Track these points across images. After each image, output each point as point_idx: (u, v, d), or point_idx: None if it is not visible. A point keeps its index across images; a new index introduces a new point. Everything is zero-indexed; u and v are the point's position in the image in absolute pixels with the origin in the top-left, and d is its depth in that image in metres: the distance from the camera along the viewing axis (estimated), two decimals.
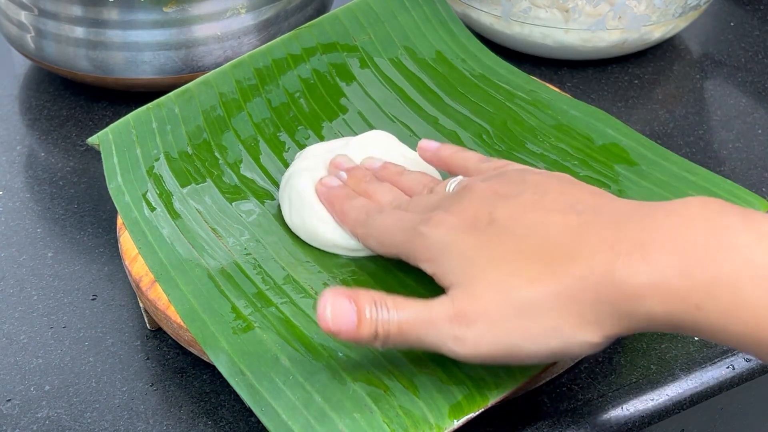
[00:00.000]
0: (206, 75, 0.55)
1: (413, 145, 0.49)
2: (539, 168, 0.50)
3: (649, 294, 0.31)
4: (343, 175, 0.47)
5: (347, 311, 0.35)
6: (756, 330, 0.30)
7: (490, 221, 0.36)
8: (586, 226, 0.34)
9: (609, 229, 0.33)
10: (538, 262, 0.34)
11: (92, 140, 0.52)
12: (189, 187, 0.49)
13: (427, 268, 0.38)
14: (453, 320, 0.34)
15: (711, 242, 0.31)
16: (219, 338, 0.40)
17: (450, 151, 0.45)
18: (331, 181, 0.46)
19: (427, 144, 0.46)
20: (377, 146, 0.49)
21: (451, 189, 0.41)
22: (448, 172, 0.46)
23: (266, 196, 0.49)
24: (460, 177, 0.43)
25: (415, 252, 0.39)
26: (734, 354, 0.44)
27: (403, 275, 0.43)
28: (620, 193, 0.47)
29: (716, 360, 0.43)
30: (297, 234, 0.46)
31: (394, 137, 0.50)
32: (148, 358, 0.45)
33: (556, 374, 0.42)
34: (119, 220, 0.47)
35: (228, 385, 0.39)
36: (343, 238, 0.45)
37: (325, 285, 0.44)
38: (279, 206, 0.48)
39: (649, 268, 0.31)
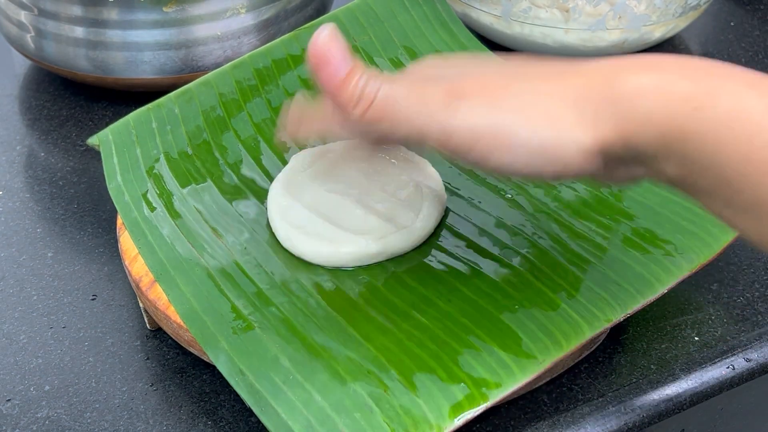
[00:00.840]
0: (206, 75, 0.55)
1: None
2: None
3: (649, 92, 0.31)
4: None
5: (341, 55, 0.32)
6: (749, 150, 0.29)
7: (495, 71, 0.36)
8: (585, 64, 0.34)
9: (608, 60, 0.33)
10: (540, 77, 0.34)
11: (92, 140, 0.52)
12: (189, 187, 0.49)
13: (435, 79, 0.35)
14: (449, 92, 0.33)
15: (716, 69, 0.31)
16: (219, 338, 0.40)
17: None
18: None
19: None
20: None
21: None
22: None
23: (266, 196, 0.49)
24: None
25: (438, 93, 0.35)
26: (734, 354, 0.44)
27: (408, 278, 0.43)
28: (620, 193, 0.47)
29: (716, 360, 0.43)
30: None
31: None
32: (148, 358, 0.45)
33: (556, 374, 0.42)
34: (119, 220, 0.47)
35: (228, 385, 0.39)
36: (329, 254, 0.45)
37: (325, 285, 0.44)
38: None
39: (651, 74, 0.31)
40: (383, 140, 0.41)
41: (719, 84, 0.30)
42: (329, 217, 0.45)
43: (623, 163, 0.33)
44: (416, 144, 0.35)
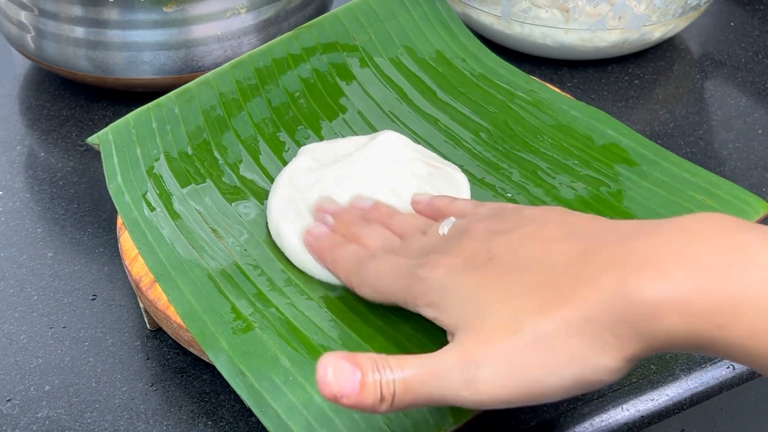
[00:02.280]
0: (206, 75, 0.55)
1: None
2: (542, 167, 0.50)
3: (668, 312, 0.29)
4: (330, 219, 0.45)
5: (349, 374, 0.31)
6: None
7: (489, 258, 0.35)
8: (592, 249, 0.32)
9: (616, 248, 0.32)
10: (546, 292, 0.32)
11: (92, 140, 0.52)
12: (189, 187, 0.49)
13: (428, 313, 0.36)
14: (463, 366, 0.32)
15: (729, 258, 0.29)
16: (219, 338, 0.40)
17: (444, 201, 0.44)
18: (318, 230, 0.44)
19: (420, 197, 0.45)
20: (390, 151, 0.48)
21: (444, 231, 0.40)
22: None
23: (266, 196, 0.49)
24: (452, 218, 0.41)
25: (414, 298, 0.37)
26: None
27: None
28: (620, 193, 0.47)
29: (716, 360, 0.43)
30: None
31: (404, 137, 0.50)
32: (148, 358, 0.45)
33: None
34: (119, 220, 0.47)
35: (228, 385, 0.39)
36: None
37: (326, 285, 0.44)
38: None
39: (665, 284, 0.30)
40: None
41: (736, 289, 0.29)
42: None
43: (658, 352, 0.32)
44: None
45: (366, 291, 0.40)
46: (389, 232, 0.43)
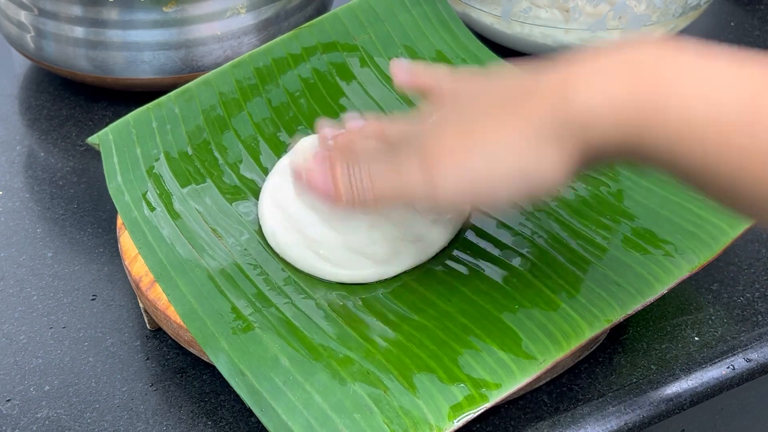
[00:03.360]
0: (206, 75, 0.55)
1: None
2: None
3: (603, 113, 0.32)
4: (331, 143, 0.45)
5: (321, 174, 0.37)
6: (700, 152, 0.31)
7: (456, 113, 0.38)
8: (542, 76, 0.35)
9: (562, 71, 0.34)
10: (498, 108, 0.36)
11: (92, 140, 0.52)
12: (189, 187, 0.49)
13: (406, 151, 0.38)
14: (423, 171, 0.36)
15: (662, 64, 0.32)
16: (219, 338, 0.40)
17: (420, 67, 0.45)
18: (313, 163, 0.44)
19: (398, 68, 0.45)
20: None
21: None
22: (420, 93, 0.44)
23: None
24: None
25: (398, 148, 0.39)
26: (734, 354, 0.44)
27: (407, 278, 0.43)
28: (620, 193, 0.47)
29: (716, 360, 0.43)
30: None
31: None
32: (148, 358, 0.45)
33: (556, 374, 0.42)
34: (119, 220, 0.47)
35: (228, 385, 0.39)
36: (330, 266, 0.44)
37: (325, 285, 0.44)
38: None
39: (601, 89, 0.32)
40: None
41: (667, 92, 0.31)
42: (344, 235, 0.45)
43: (601, 162, 0.35)
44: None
45: (368, 197, 0.40)
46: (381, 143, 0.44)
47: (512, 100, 0.36)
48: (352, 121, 0.46)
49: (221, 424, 0.41)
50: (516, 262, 0.44)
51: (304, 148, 0.49)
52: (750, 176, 0.30)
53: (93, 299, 0.48)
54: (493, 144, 0.35)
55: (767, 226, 0.33)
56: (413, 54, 0.58)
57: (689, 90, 0.31)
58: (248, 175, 0.50)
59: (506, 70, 0.40)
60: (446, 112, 0.39)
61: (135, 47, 0.60)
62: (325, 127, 0.47)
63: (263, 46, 0.57)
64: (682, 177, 0.33)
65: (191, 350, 0.43)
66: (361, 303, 0.42)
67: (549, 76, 0.35)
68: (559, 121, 0.33)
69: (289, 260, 0.45)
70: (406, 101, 0.55)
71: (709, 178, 0.31)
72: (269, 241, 0.46)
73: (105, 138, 0.52)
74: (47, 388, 0.43)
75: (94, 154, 0.58)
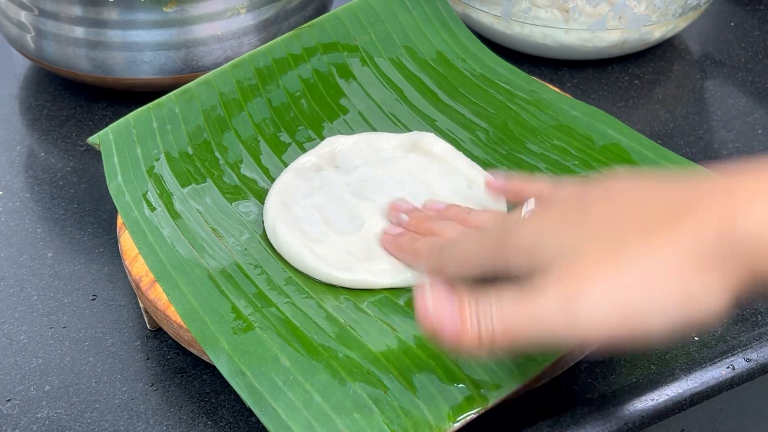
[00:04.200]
0: (207, 75, 0.55)
1: None
2: (541, 169, 0.50)
3: None
4: (405, 217, 0.45)
5: (448, 305, 0.31)
6: None
7: (582, 211, 0.33)
8: (692, 185, 0.31)
9: (719, 183, 0.30)
10: (649, 225, 0.30)
11: (92, 140, 0.52)
12: (189, 187, 0.49)
13: (522, 259, 0.33)
14: (563, 300, 0.30)
15: None
16: (219, 338, 0.40)
17: (522, 180, 0.42)
18: (395, 229, 0.44)
19: (494, 179, 0.43)
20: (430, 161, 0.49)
21: (526, 215, 0.37)
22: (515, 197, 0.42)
23: (267, 195, 0.49)
24: (532, 199, 0.38)
25: (506, 254, 0.34)
26: (734, 354, 0.44)
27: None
28: None
29: (716, 360, 0.43)
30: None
31: (445, 143, 0.50)
32: (148, 358, 0.45)
33: (556, 374, 0.42)
34: (119, 220, 0.47)
35: (228, 385, 0.39)
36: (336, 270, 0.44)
37: (326, 284, 0.44)
38: None
39: None
40: None
41: None
42: (346, 239, 0.45)
43: (762, 289, 0.31)
44: None
45: (450, 267, 0.37)
46: (465, 228, 0.42)
47: (663, 214, 0.31)
48: (433, 202, 0.46)
49: (221, 424, 0.41)
50: None
51: (333, 145, 0.49)
52: None
53: (93, 299, 0.48)
54: (649, 270, 0.29)
55: None
56: (413, 54, 0.58)
57: None
58: (249, 174, 0.50)
59: (622, 178, 0.35)
60: (558, 207, 0.35)
61: (135, 47, 0.60)
62: (400, 201, 0.46)
63: (264, 46, 0.57)
64: None
65: (191, 350, 0.43)
66: (361, 304, 0.42)
67: (703, 188, 0.31)
68: (725, 246, 0.29)
69: (284, 255, 0.45)
70: (406, 102, 0.55)
71: None
72: (268, 236, 0.46)
73: (105, 138, 0.52)
74: (47, 388, 0.43)
75: (94, 154, 0.58)
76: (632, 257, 0.30)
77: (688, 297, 0.29)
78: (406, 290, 0.43)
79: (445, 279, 0.36)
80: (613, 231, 0.31)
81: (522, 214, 0.38)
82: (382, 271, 0.43)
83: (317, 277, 0.44)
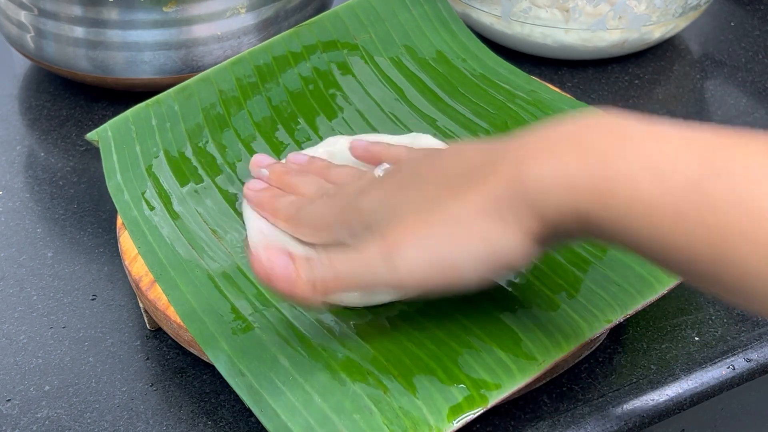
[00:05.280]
0: (206, 72, 0.55)
1: None
2: None
3: (557, 189, 0.32)
4: (265, 172, 0.47)
5: (282, 255, 0.35)
6: (652, 228, 0.31)
7: (415, 175, 0.38)
8: (497, 150, 0.36)
9: (515, 144, 0.35)
10: (456, 185, 0.35)
11: (91, 136, 0.52)
12: (188, 186, 0.49)
13: (363, 224, 0.38)
14: (384, 251, 0.35)
15: (611, 142, 0.32)
16: (219, 339, 0.40)
17: (381, 146, 0.46)
18: (256, 184, 0.47)
19: (358, 142, 0.48)
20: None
21: (380, 174, 0.43)
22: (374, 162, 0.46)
23: None
24: (386, 165, 0.44)
25: (350, 227, 0.39)
26: (734, 354, 0.44)
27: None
28: None
29: (716, 360, 0.43)
30: None
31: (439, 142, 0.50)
32: (148, 358, 0.45)
33: (556, 374, 0.42)
34: (119, 220, 0.47)
35: (228, 385, 0.39)
36: None
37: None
38: None
39: (553, 165, 0.32)
40: None
41: (615, 170, 0.31)
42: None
43: (564, 238, 0.35)
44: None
45: (305, 231, 0.43)
46: (323, 180, 0.45)
47: (470, 174, 0.35)
48: (296, 155, 0.49)
49: (221, 424, 0.41)
50: None
51: (332, 145, 0.49)
52: (702, 251, 0.30)
53: (93, 299, 0.48)
54: (455, 221, 0.35)
55: (734, 300, 0.32)
56: (413, 54, 0.58)
57: (637, 168, 0.31)
58: (249, 174, 0.50)
59: (466, 145, 0.40)
60: (398, 172, 0.40)
61: (135, 47, 0.60)
62: (261, 156, 0.49)
63: (263, 43, 0.57)
64: (642, 254, 0.33)
65: (191, 350, 0.43)
66: (361, 304, 0.42)
67: (503, 149, 0.35)
68: (515, 196, 0.33)
69: None
70: (406, 101, 0.55)
71: (664, 254, 0.31)
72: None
73: (104, 134, 0.52)
74: (47, 388, 0.43)
75: (94, 154, 0.58)
76: (439, 214, 0.35)
77: (489, 241, 0.34)
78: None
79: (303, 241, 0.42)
80: (430, 193, 0.36)
81: (375, 173, 0.43)
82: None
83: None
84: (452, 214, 0.35)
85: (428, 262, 0.35)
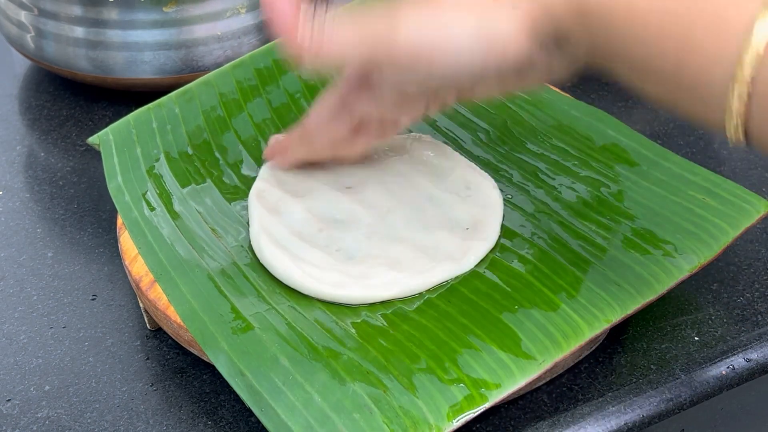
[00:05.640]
0: (207, 75, 0.55)
1: None
2: (541, 168, 0.50)
3: None
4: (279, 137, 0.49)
5: (292, 7, 0.37)
6: (633, 16, 0.33)
7: None
8: None
9: None
10: None
11: (92, 140, 0.52)
12: (189, 187, 0.49)
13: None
14: (387, 19, 0.37)
15: None
16: (219, 338, 0.40)
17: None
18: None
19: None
20: (429, 158, 0.50)
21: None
22: None
23: None
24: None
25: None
26: (734, 354, 0.44)
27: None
28: (620, 194, 0.47)
29: (716, 360, 0.43)
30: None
31: (442, 144, 0.51)
32: (148, 358, 0.45)
33: (556, 374, 0.42)
34: (119, 220, 0.47)
35: (228, 385, 0.39)
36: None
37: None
38: None
39: None
40: (338, 72, 0.45)
41: None
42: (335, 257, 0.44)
43: (550, 48, 0.36)
44: (372, 71, 0.40)
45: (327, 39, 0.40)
46: None
47: None
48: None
49: (221, 424, 0.41)
50: (515, 263, 0.44)
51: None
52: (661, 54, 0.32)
53: (93, 299, 0.48)
54: (455, 3, 0.36)
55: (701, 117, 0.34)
56: None
57: None
58: (249, 175, 0.50)
59: None
60: None
61: (135, 47, 0.60)
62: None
63: (264, 46, 0.57)
64: (624, 72, 0.35)
65: (191, 350, 0.43)
66: (361, 304, 0.42)
67: None
68: None
69: (270, 271, 0.44)
70: None
71: (638, 45, 0.33)
72: (255, 251, 0.45)
73: (105, 138, 0.52)
74: (47, 387, 0.43)
75: (94, 154, 0.58)
76: None
77: (487, 20, 0.36)
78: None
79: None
80: None
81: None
82: (378, 285, 0.43)
83: (309, 294, 0.43)
84: None
85: (426, 28, 0.36)
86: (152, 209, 0.47)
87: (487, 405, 0.37)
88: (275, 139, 0.50)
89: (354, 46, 0.37)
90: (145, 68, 0.61)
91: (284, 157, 0.49)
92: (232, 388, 0.39)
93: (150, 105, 0.53)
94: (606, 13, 0.33)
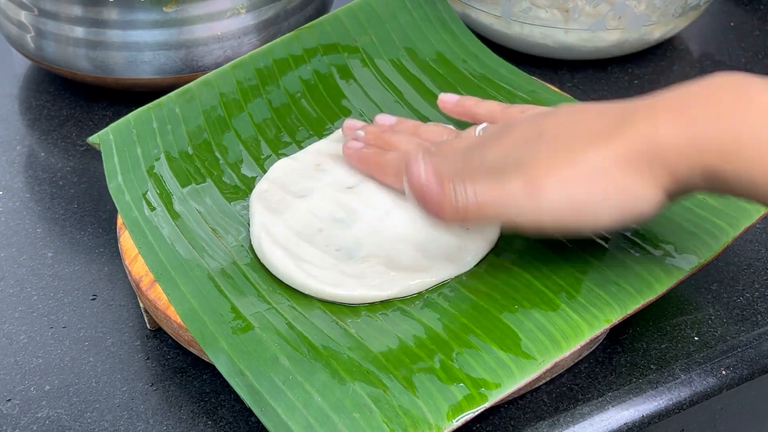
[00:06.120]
0: (207, 75, 0.55)
1: None
2: None
3: (687, 148, 0.35)
4: (361, 133, 0.49)
5: (435, 177, 0.39)
6: None
7: (539, 134, 0.40)
8: (624, 107, 0.38)
9: (647, 104, 0.37)
10: (593, 137, 0.37)
11: (93, 139, 0.52)
12: (189, 187, 0.49)
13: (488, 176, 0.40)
14: (526, 187, 0.38)
15: (735, 100, 0.35)
16: (219, 338, 0.40)
17: (473, 101, 0.50)
18: (354, 144, 0.48)
19: (448, 96, 0.51)
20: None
21: (480, 133, 0.45)
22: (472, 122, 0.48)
23: None
24: (485, 124, 0.45)
25: (474, 172, 0.40)
26: (734, 354, 0.44)
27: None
28: None
29: (716, 360, 0.43)
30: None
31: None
32: (148, 358, 0.45)
33: (555, 374, 0.42)
34: (119, 220, 0.47)
35: (228, 385, 0.39)
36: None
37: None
38: None
39: (684, 124, 0.35)
40: None
41: (741, 126, 0.35)
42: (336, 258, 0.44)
43: (690, 191, 0.37)
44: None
45: (471, 208, 0.43)
46: (420, 139, 0.48)
47: (602, 130, 0.37)
48: (383, 117, 0.51)
49: (221, 424, 0.41)
50: (516, 263, 0.44)
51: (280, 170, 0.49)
52: None
53: (93, 299, 0.48)
54: (594, 169, 0.37)
55: None
56: (414, 55, 0.58)
57: (760, 123, 0.34)
58: (249, 174, 0.50)
59: (578, 106, 0.42)
60: (514, 128, 0.41)
61: (135, 47, 0.60)
62: (353, 120, 0.51)
63: (264, 46, 0.57)
64: (763, 201, 0.36)
65: (191, 350, 0.43)
66: (361, 304, 0.42)
67: (632, 108, 0.38)
68: (650, 153, 0.36)
69: (271, 270, 0.44)
70: (407, 104, 0.55)
71: None
72: (255, 251, 0.45)
73: (105, 138, 0.52)
74: (47, 387, 0.43)
75: (94, 154, 0.58)
76: (580, 160, 0.37)
77: (627, 191, 0.37)
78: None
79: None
80: (563, 143, 0.38)
81: (476, 132, 0.45)
82: (378, 285, 0.43)
83: (309, 294, 0.43)
84: (591, 162, 0.37)
85: (569, 202, 0.37)
86: (152, 209, 0.47)
87: (487, 405, 0.37)
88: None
89: (495, 215, 0.39)
90: (145, 68, 0.61)
91: (369, 167, 0.48)
92: (232, 387, 0.39)
93: (150, 105, 0.53)
94: (743, 170, 0.35)
